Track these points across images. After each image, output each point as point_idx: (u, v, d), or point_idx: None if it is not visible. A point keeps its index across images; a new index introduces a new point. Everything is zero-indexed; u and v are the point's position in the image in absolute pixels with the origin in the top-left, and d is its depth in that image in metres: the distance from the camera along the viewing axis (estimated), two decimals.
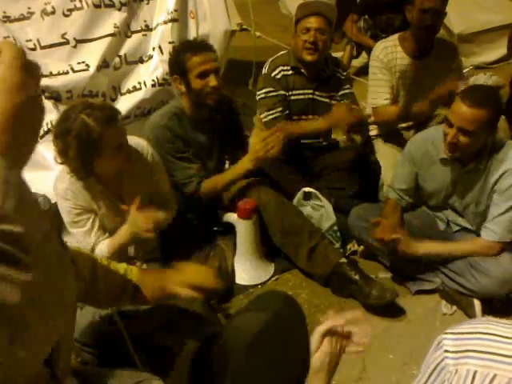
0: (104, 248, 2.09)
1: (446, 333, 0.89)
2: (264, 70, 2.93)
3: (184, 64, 2.36)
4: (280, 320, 1.08)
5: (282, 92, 2.86)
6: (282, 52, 2.98)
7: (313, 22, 2.74)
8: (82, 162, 1.91)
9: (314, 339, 1.23)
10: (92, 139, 1.87)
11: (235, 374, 1.02)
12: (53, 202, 2.23)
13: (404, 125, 3.13)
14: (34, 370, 0.51)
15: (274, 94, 2.85)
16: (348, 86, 3.05)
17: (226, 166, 2.83)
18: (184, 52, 2.37)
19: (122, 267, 1.57)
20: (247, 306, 1.19)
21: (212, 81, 2.36)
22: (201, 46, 2.42)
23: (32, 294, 0.50)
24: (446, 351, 0.87)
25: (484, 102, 2.10)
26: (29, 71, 0.65)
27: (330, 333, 1.22)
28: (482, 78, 4.16)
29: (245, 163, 2.49)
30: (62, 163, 1.97)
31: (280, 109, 2.84)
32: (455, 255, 2.37)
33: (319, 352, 1.21)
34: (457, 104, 2.14)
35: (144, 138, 2.34)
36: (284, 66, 2.88)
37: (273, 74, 2.86)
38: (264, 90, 2.87)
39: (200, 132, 2.54)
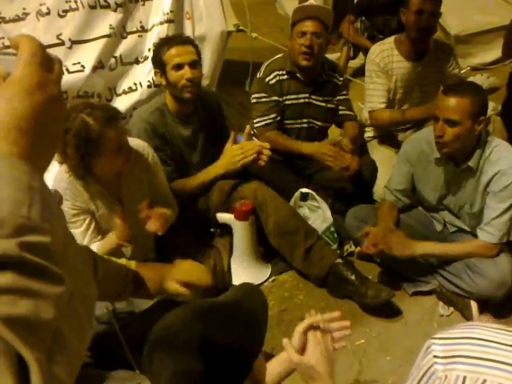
0: (95, 249, 2.08)
1: (435, 338, 0.89)
2: (259, 74, 2.92)
3: (161, 57, 2.40)
4: (235, 300, 1.11)
5: (275, 98, 2.85)
6: (278, 55, 2.96)
7: (309, 26, 2.73)
8: (81, 160, 1.90)
9: (295, 337, 1.24)
10: (91, 138, 1.86)
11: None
12: None
13: (400, 126, 3.12)
14: None
15: (267, 100, 2.85)
16: (344, 91, 3.05)
17: None
18: (162, 46, 2.41)
19: (121, 260, 1.58)
20: None
21: (187, 73, 2.38)
22: (178, 39, 2.46)
23: (64, 305, 0.48)
24: (435, 356, 0.86)
25: (464, 91, 2.16)
26: (49, 67, 0.61)
27: (312, 328, 1.24)
28: (478, 79, 4.19)
29: (217, 167, 2.52)
30: (61, 162, 1.96)
31: (273, 115, 2.84)
32: (452, 256, 2.36)
33: (310, 346, 1.22)
34: (439, 98, 2.21)
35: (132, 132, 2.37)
36: (279, 70, 2.86)
37: (267, 80, 2.85)
38: (257, 95, 2.87)
39: (183, 126, 2.55)
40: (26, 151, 0.55)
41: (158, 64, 2.44)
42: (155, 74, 2.50)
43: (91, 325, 0.57)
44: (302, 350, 1.24)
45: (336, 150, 2.67)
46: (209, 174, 2.56)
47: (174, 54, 2.38)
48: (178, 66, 2.38)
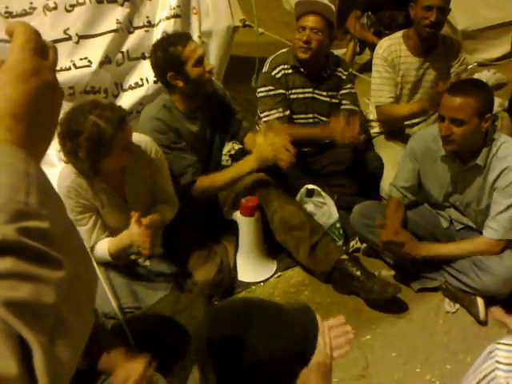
0: (103, 247, 2.09)
1: (499, 343, 0.86)
2: (264, 69, 2.91)
3: (178, 57, 2.31)
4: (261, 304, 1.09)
5: (282, 91, 2.84)
6: (283, 50, 2.96)
7: (308, 21, 2.73)
8: (92, 162, 1.91)
9: None
10: (103, 140, 1.87)
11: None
12: None
13: (407, 122, 3.11)
14: (72, 372, 0.48)
15: (275, 93, 2.83)
16: (350, 85, 3.02)
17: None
18: (172, 46, 2.32)
19: None
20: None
21: (207, 65, 2.37)
22: (183, 36, 2.42)
23: (65, 289, 0.48)
24: (498, 362, 0.83)
25: (469, 90, 2.17)
26: (44, 54, 0.61)
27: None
28: (485, 75, 4.17)
29: (250, 162, 2.46)
30: (68, 163, 1.96)
31: (281, 109, 2.83)
32: (457, 255, 2.36)
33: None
34: (445, 97, 2.21)
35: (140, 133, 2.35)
36: (284, 64, 2.86)
37: (273, 73, 2.85)
38: (264, 89, 2.85)
39: (191, 122, 2.52)
40: (21, 138, 0.55)
41: (173, 65, 2.33)
42: (169, 78, 2.36)
43: (92, 309, 0.57)
44: None
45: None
46: (241, 170, 2.48)
47: (191, 51, 2.33)
48: (199, 61, 2.34)
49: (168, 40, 2.40)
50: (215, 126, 2.64)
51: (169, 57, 2.33)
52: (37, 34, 0.61)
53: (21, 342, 0.42)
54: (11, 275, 0.44)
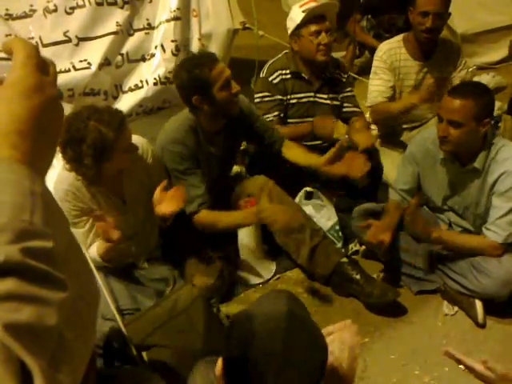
0: (95, 250, 2.09)
1: None
2: (262, 74, 2.93)
3: (204, 81, 2.21)
4: (295, 314, 1.07)
5: (279, 97, 2.85)
6: (280, 55, 2.97)
7: (323, 25, 2.76)
8: (96, 168, 1.91)
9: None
10: (106, 146, 1.87)
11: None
12: None
13: (406, 125, 3.12)
14: None
15: (270, 99, 2.84)
16: (350, 88, 3.05)
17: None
18: (198, 69, 2.21)
19: None
20: (254, 303, 1.17)
21: (235, 87, 2.28)
22: (210, 57, 2.30)
23: (68, 310, 0.47)
24: None
25: (469, 93, 2.16)
26: (44, 69, 0.60)
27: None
28: (485, 78, 4.17)
29: (252, 217, 2.29)
30: (71, 170, 1.95)
31: (275, 113, 2.84)
32: (462, 247, 2.35)
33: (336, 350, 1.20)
34: (445, 99, 2.21)
35: (157, 148, 2.34)
36: (283, 70, 2.87)
37: (270, 79, 2.86)
38: (260, 95, 2.87)
39: (212, 143, 2.47)
40: (27, 155, 0.54)
41: (199, 88, 2.23)
42: (194, 100, 2.25)
43: (94, 330, 0.56)
44: None
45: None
46: (243, 222, 2.38)
47: (218, 73, 2.22)
48: (227, 84, 2.25)
49: (194, 61, 2.28)
50: (235, 145, 2.65)
51: (194, 79, 2.22)
52: (36, 49, 0.60)
53: (21, 366, 0.41)
54: (12, 297, 0.43)
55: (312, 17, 2.76)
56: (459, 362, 1.32)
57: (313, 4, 2.76)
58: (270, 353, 1.01)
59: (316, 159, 2.49)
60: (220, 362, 1.07)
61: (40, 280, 0.45)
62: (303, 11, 2.77)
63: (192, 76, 2.22)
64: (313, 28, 2.76)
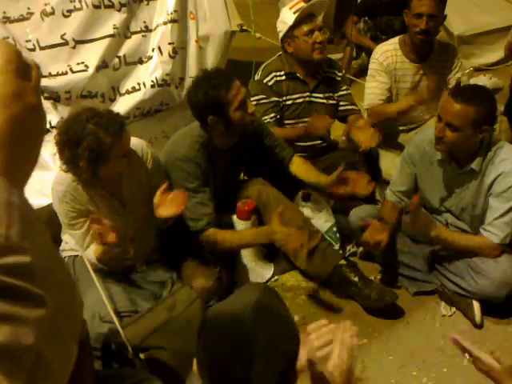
0: (91, 252, 2.09)
1: None
2: (257, 77, 2.93)
3: (220, 102, 2.20)
4: (263, 305, 1.08)
5: (275, 99, 2.86)
6: (274, 57, 2.98)
7: (316, 24, 2.79)
8: (92, 171, 1.91)
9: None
10: (103, 150, 1.87)
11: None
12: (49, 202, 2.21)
13: (403, 127, 3.12)
14: None
15: (266, 101, 2.85)
16: (345, 86, 3.06)
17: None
18: (215, 90, 2.20)
19: None
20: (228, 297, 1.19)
21: (250, 107, 2.28)
22: (226, 77, 2.26)
23: (46, 327, 0.45)
24: None
25: (472, 100, 2.12)
26: (26, 75, 0.57)
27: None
28: (482, 80, 4.18)
29: (263, 237, 2.34)
30: (67, 172, 1.96)
31: (271, 115, 2.84)
32: (459, 246, 2.35)
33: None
34: (446, 99, 2.19)
35: (163, 159, 2.34)
36: (277, 71, 2.88)
37: (265, 81, 2.86)
38: (256, 98, 2.86)
39: (222, 159, 2.47)
40: (4, 166, 0.51)
41: (215, 109, 2.21)
42: (209, 120, 2.24)
43: (75, 342, 0.54)
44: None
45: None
46: (255, 241, 2.41)
47: (234, 94, 2.20)
48: (243, 104, 2.24)
49: (210, 81, 2.24)
50: (242, 160, 2.64)
51: (210, 100, 2.20)
52: (18, 54, 0.57)
53: None
54: None
55: (303, 17, 2.77)
56: (465, 350, 1.32)
57: (303, 4, 2.78)
58: (237, 346, 1.02)
59: (323, 179, 2.51)
60: (194, 360, 1.10)
61: (16, 297, 0.43)
62: (294, 12, 2.78)
63: (208, 97, 2.20)
64: (305, 28, 2.78)
